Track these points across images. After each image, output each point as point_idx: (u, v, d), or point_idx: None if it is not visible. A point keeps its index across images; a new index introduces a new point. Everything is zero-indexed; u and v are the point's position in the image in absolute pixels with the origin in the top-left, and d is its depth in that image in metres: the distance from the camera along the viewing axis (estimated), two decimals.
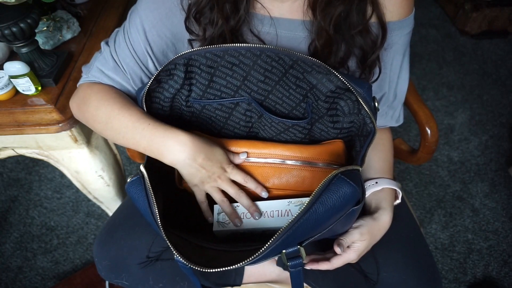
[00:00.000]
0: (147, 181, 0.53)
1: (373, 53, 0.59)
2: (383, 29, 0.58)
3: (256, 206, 0.58)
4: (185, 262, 0.48)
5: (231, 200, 0.59)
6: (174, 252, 0.48)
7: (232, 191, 0.58)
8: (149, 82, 0.57)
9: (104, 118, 0.61)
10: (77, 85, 0.68)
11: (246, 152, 0.60)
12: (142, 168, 0.56)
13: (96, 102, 0.62)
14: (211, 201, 0.60)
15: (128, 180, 0.56)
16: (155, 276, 0.68)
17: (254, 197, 0.60)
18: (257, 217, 0.57)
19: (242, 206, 0.58)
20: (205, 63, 0.56)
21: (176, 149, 0.55)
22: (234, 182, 0.59)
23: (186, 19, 0.60)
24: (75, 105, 0.66)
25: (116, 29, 0.65)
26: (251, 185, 0.59)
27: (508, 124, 1.66)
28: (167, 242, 0.49)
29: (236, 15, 0.57)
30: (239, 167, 0.60)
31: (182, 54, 0.55)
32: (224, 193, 0.59)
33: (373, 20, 0.58)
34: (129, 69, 0.63)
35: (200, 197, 0.60)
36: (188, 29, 0.60)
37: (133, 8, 0.62)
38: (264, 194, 0.59)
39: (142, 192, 0.54)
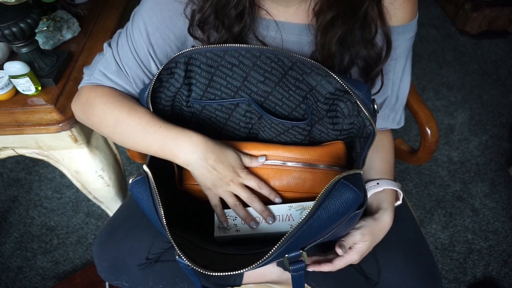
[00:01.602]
0: (152, 180, 0.53)
1: (376, 66, 0.59)
2: (388, 43, 0.58)
3: (269, 211, 0.57)
4: (188, 263, 0.48)
5: (244, 205, 0.59)
6: (178, 252, 0.48)
7: (244, 195, 0.57)
8: (153, 81, 0.57)
9: (112, 122, 0.60)
10: (79, 87, 0.67)
11: (265, 155, 0.59)
12: (146, 167, 0.56)
13: (103, 105, 0.61)
14: (211, 206, 0.60)
15: (131, 180, 0.56)
16: (154, 277, 0.68)
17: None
18: (270, 222, 0.56)
19: (255, 211, 0.58)
20: (205, 62, 0.56)
21: (188, 149, 0.56)
22: (247, 186, 0.58)
23: (190, 26, 0.59)
24: (78, 108, 0.65)
25: (119, 30, 0.65)
26: (265, 191, 0.58)
27: (508, 124, 1.66)
28: (172, 242, 0.49)
29: (240, 22, 0.57)
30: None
31: (183, 52, 0.55)
32: (237, 197, 0.58)
33: (378, 32, 0.58)
34: (132, 73, 0.63)
35: (214, 201, 0.59)
36: (192, 35, 0.60)
37: (136, 10, 0.61)
38: (277, 200, 0.58)
39: (146, 191, 0.54)
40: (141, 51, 0.61)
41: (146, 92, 0.58)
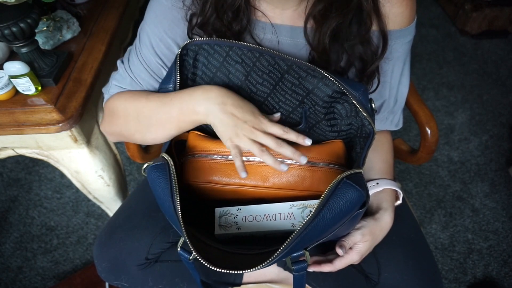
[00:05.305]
0: (172, 167, 0.53)
1: (372, 63, 0.59)
2: (384, 39, 0.58)
3: (299, 152, 0.53)
4: (193, 252, 0.47)
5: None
6: (187, 240, 0.48)
7: (272, 142, 0.53)
8: (178, 78, 0.58)
9: (133, 112, 0.62)
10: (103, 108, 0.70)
11: (280, 112, 0.58)
12: (165, 155, 0.56)
13: (122, 105, 0.64)
14: (212, 205, 0.60)
15: (147, 164, 0.56)
16: (154, 278, 0.68)
17: (254, 198, 0.60)
18: (303, 161, 0.52)
19: (286, 155, 0.53)
20: (212, 55, 0.57)
21: (204, 97, 0.55)
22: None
23: (189, 31, 0.61)
24: (106, 124, 0.67)
25: (129, 47, 0.68)
26: (291, 135, 0.54)
27: (508, 124, 1.66)
28: (182, 229, 0.48)
29: (237, 23, 0.58)
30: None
31: (194, 40, 0.56)
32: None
33: (375, 28, 0.58)
34: (145, 83, 0.65)
35: (235, 151, 0.54)
36: (191, 39, 0.61)
37: (141, 25, 0.64)
38: (307, 142, 0.54)
39: (164, 177, 0.53)
40: (152, 63, 0.64)
41: (172, 85, 0.59)
